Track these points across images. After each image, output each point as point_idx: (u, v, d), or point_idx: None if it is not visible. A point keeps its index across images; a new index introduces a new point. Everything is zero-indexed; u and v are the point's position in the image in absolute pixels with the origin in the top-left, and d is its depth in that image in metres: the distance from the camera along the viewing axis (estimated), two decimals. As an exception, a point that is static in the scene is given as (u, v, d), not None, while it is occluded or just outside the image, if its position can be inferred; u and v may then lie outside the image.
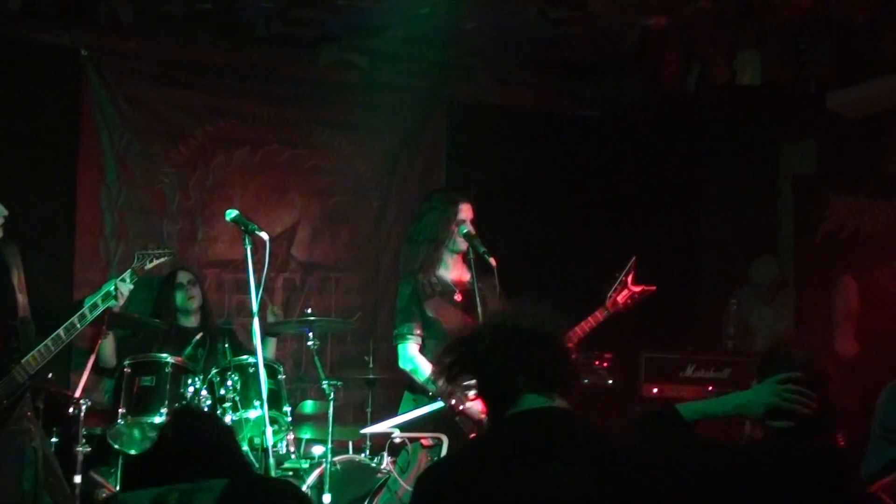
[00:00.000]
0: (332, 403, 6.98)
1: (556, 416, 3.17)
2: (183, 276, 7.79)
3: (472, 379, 3.34)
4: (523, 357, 3.23)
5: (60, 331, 5.82)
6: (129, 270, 6.17)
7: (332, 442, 6.89)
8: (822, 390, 3.77)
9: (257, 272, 5.78)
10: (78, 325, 5.89)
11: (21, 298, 5.91)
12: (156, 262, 6.38)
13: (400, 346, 6.39)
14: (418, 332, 6.37)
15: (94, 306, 5.97)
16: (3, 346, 5.74)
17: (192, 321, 7.80)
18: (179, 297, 7.75)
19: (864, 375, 7.10)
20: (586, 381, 7.87)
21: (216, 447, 3.49)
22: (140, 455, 3.62)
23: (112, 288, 6.03)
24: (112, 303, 6.03)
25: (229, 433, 3.76)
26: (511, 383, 3.22)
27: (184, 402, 6.38)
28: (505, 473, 2.96)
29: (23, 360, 5.68)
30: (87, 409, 6.55)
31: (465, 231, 6.34)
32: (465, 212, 6.47)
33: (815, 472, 3.68)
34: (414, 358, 6.32)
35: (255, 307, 5.66)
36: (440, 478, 3.14)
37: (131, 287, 6.14)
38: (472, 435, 6.10)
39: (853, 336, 7.40)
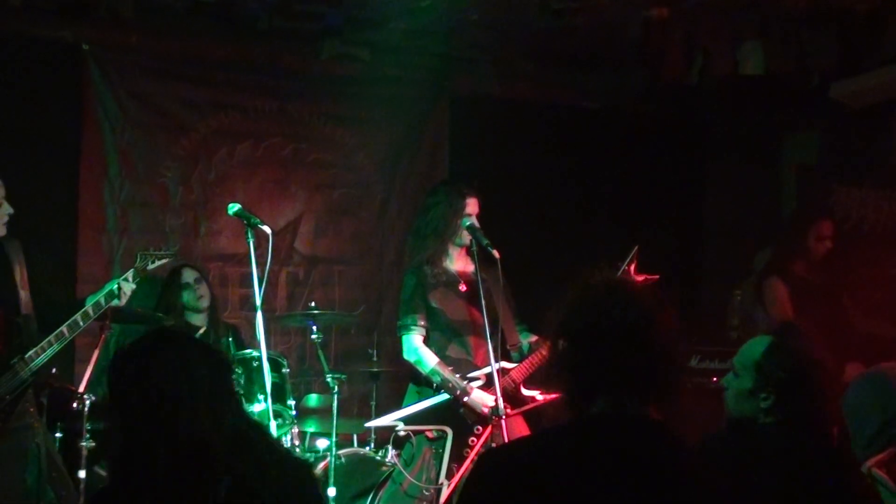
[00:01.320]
0: (336, 397, 6.99)
1: (643, 429, 2.89)
2: (189, 275, 7.70)
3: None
4: (616, 356, 2.89)
5: (64, 328, 5.80)
6: (131, 270, 6.15)
7: (336, 435, 6.90)
8: (820, 390, 3.77)
9: (260, 266, 5.77)
10: (81, 323, 5.87)
11: (24, 295, 5.89)
12: (158, 262, 6.36)
13: (404, 337, 6.38)
14: (422, 323, 6.37)
15: (98, 305, 5.95)
16: (5, 342, 5.72)
17: (199, 318, 7.77)
18: (188, 296, 7.68)
19: None
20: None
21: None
22: None
23: (115, 287, 6.01)
24: (115, 301, 6.01)
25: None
26: (600, 383, 2.92)
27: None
28: (562, 479, 2.77)
29: (25, 356, 5.67)
30: (91, 403, 6.56)
31: (468, 224, 6.33)
32: (472, 206, 6.46)
33: (813, 463, 3.69)
34: (418, 349, 6.31)
35: (258, 301, 5.65)
36: (501, 466, 2.93)
37: (134, 286, 6.11)
38: (477, 427, 6.12)
39: None
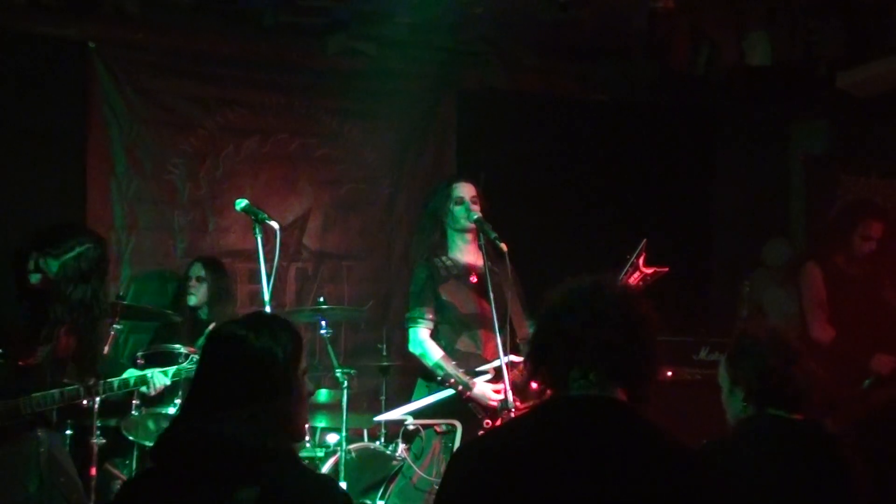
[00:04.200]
0: (345, 392, 6.99)
1: (607, 409, 2.88)
2: (194, 270, 7.75)
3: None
4: (586, 336, 2.90)
5: (80, 388, 5.79)
6: (173, 368, 6.16)
7: (346, 430, 6.90)
8: (794, 367, 3.86)
9: (269, 262, 5.77)
10: (99, 393, 5.88)
11: (65, 341, 5.87)
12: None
13: (411, 330, 6.40)
14: (430, 316, 6.37)
15: (125, 383, 5.95)
16: (24, 372, 5.69)
17: (205, 312, 7.78)
18: (188, 292, 7.74)
19: (843, 358, 7.13)
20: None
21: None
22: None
23: (150, 376, 6.02)
24: (144, 389, 6.06)
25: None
26: (564, 364, 2.94)
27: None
28: (535, 464, 2.77)
29: (31, 396, 5.63)
30: (101, 401, 6.57)
31: (475, 217, 6.34)
32: (462, 189, 6.48)
33: (802, 445, 3.75)
34: (424, 342, 6.32)
35: (267, 297, 5.65)
36: (472, 458, 2.96)
37: (168, 383, 6.13)
38: (486, 421, 6.12)
39: (826, 321, 7.42)
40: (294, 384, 3.18)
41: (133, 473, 6.98)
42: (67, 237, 5.74)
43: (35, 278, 5.70)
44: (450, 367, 6.18)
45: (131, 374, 6.07)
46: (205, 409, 3.09)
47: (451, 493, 2.91)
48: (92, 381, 5.80)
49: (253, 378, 3.09)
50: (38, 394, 5.64)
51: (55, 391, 5.70)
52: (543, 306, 3.06)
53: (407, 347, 6.46)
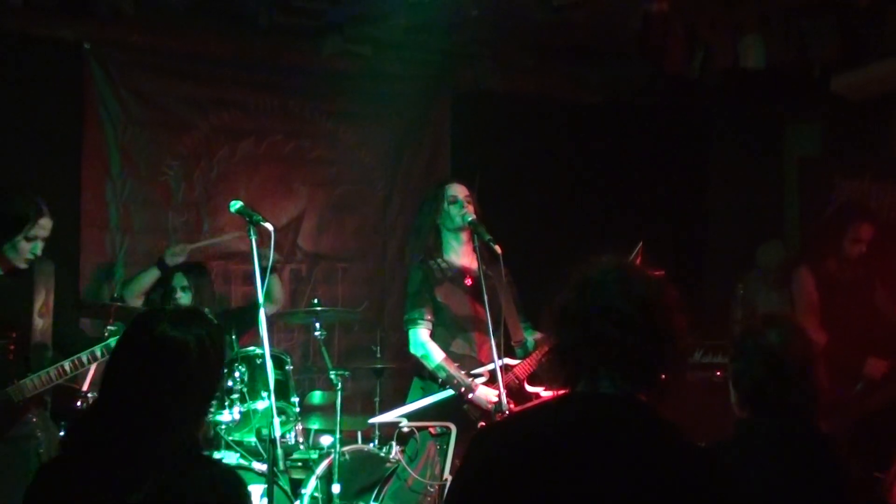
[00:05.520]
0: (340, 393, 6.99)
1: (629, 407, 2.87)
2: (177, 281, 7.68)
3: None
4: (606, 332, 2.88)
5: (66, 364, 5.75)
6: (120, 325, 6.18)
7: (340, 432, 6.90)
8: (791, 382, 3.82)
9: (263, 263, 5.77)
10: (85, 363, 5.85)
11: (40, 322, 5.79)
12: None
13: (411, 331, 6.39)
14: (429, 317, 6.38)
15: (108, 348, 5.93)
16: (7, 362, 5.66)
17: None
18: (174, 302, 7.73)
19: (835, 362, 7.15)
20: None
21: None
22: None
23: (112, 342, 6.02)
24: None
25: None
26: (584, 359, 2.91)
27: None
28: (555, 454, 2.77)
29: (21, 381, 5.62)
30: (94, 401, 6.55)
31: (469, 219, 6.34)
32: (455, 189, 6.50)
33: (797, 450, 3.76)
34: (425, 343, 6.32)
35: (261, 298, 5.65)
36: (494, 441, 2.96)
37: None
38: (481, 423, 6.12)
39: (819, 326, 7.42)
40: (207, 377, 3.22)
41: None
42: None
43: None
44: (452, 369, 6.19)
45: (110, 340, 6.05)
46: (118, 397, 3.16)
47: (469, 475, 2.92)
48: (76, 356, 5.80)
49: (165, 368, 3.13)
50: (26, 378, 5.62)
51: (44, 372, 5.68)
52: (561, 300, 3.03)
53: (404, 350, 6.46)
